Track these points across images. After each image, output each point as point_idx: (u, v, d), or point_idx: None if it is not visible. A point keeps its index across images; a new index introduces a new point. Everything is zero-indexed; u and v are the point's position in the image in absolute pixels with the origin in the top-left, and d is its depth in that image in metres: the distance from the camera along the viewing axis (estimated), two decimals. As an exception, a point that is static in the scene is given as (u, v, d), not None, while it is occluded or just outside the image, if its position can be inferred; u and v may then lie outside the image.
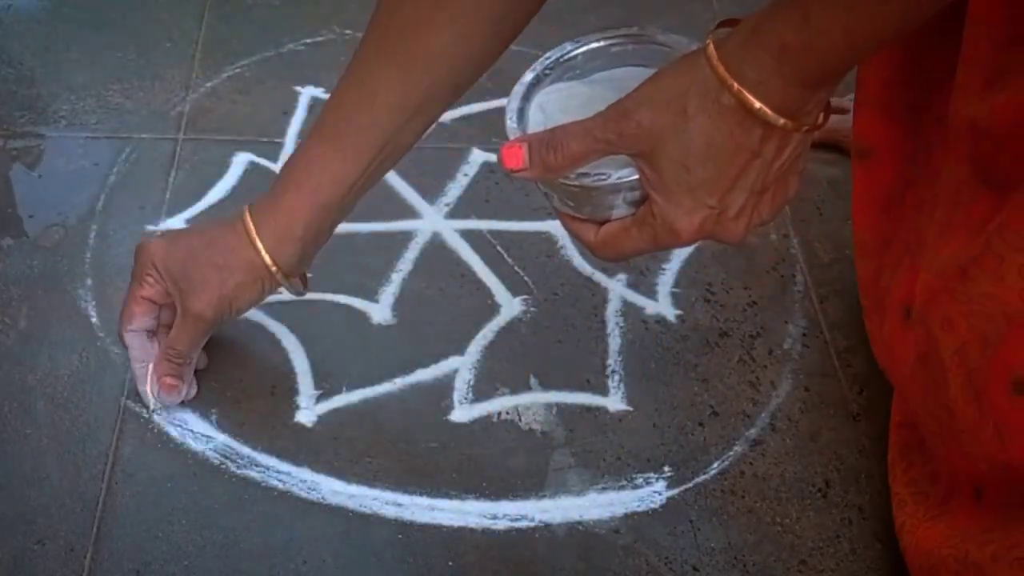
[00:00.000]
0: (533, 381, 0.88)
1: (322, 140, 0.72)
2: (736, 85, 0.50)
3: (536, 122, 0.60)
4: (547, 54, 0.63)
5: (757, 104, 0.50)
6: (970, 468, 0.65)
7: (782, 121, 0.51)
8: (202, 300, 0.75)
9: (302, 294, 0.79)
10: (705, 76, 0.51)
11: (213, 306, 0.75)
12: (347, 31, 1.20)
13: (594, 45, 0.63)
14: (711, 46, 0.52)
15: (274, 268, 0.73)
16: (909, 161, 0.74)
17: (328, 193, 0.72)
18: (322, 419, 0.84)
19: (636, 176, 0.55)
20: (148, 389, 0.79)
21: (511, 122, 0.60)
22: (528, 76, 0.62)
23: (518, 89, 0.62)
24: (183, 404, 0.83)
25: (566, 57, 0.63)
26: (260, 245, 0.72)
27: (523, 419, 0.85)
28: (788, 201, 0.58)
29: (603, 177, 0.56)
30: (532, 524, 0.78)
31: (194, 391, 0.82)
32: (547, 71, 0.63)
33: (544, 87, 0.63)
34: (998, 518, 0.63)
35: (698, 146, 0.52)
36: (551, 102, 0.62)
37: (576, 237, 0.62)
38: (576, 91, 0.62)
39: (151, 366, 0.79)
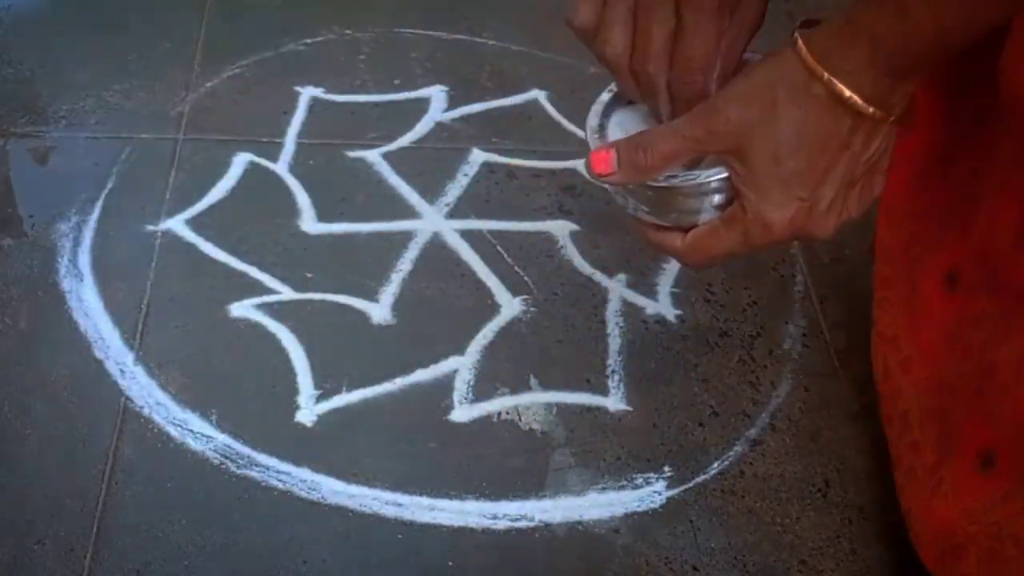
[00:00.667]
0: (533, 381, 0.88)
1: None
2: (826, 74, 0.51)
3: (616, 139, 0.61)
4: None
5: (848, 93, 0.51)
6: (988, 433, 0.65)
7: (871, 110, 0.51)
8: None
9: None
10: (794, 68, 0.52)
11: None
12: (347, 31, 1.20)
13: None
14: (799, 40, 0.52)
15: None
16: (956, 130, 0.74)
17: None
18: (322, 419, 0.84)
19: (725, 174, 0.55)
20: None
21: (593, 136, 0.61)
22: (605, 96, 0.63)
23: (596, 108, 0.63)
24: (183, 404, 0.83)
25: None
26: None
27: (523, 419, 0.85)
28: (873, 200, 0.58)
29: (691, 177, 0.56)
30: (532, 524, 0.78)
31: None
32: None
33: (621, 106, 0.63)
34: (1016, 484, 0.63)
35: (788, 137, 0.53)
36: (629, 119, 0.62)
37: (660, 247, 0.61)
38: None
39: None
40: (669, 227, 0.59)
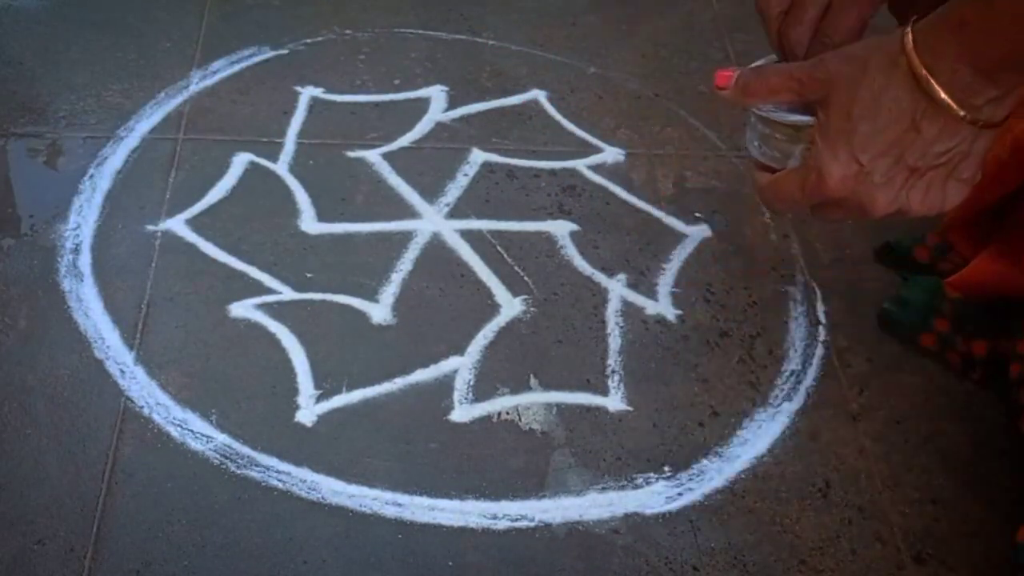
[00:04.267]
0: (533, 381, 0.88)
1: None
2: (912, 52, 0.53)
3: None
4: None
5: (924, 72, 0.53)
6: None
7: (943, 95, 0.52)
8: None
9: None
10: (892, 41, 0.54)
11: None
12: (347, 31, 1.20)
13: None
14: (911, 21, 0.54)
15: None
16: None
17: None
18: (322, 419, 0.84)
19: (811, 121, 0.59)
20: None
21: None
22: (760, 62, 0.68)
23: (765, 59, 0.68)
24: (183, 404, 0.83)
25: None
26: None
27: (523, 419, 0.85)
28: (943, 207, 0.58)
29: (786, 113, 0.61)
30: (532, 524, 0.78)
31: None
32: None
33: None
34: None
35: (865, 99, 0.55)
36: None
37: (755, 182, 0.65)
38: None
39: None
40: (765, 165, 0.63)
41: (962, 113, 0.53)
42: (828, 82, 0.56)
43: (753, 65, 0.64)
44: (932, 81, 0.52)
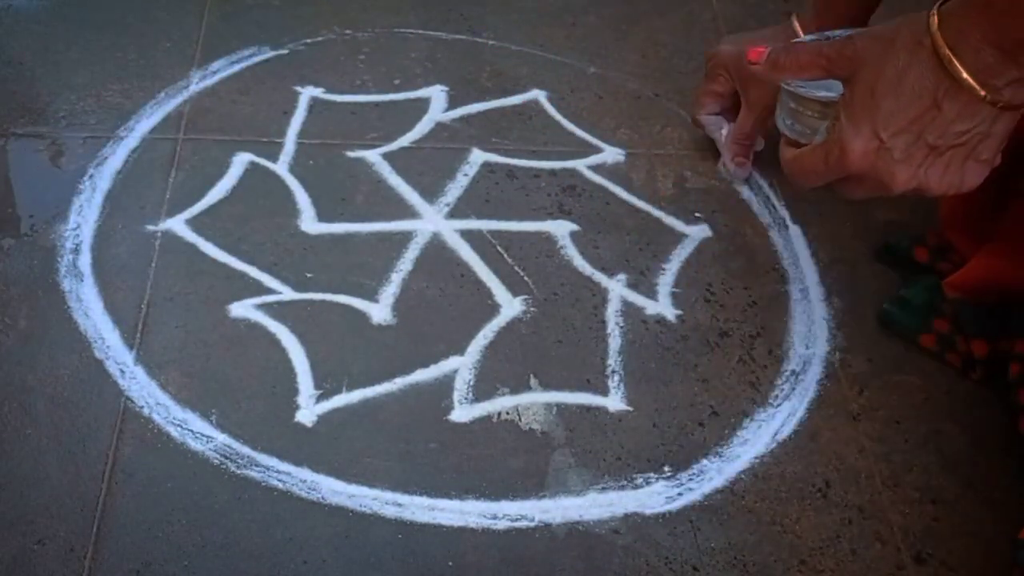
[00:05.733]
0: (533, 381, 0.88)
1: None
2: (937, 32, 0.54)
3: None
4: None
5: (947, 52, 0.54)
6: None
7: (965, 75, 0.54)
8: (760, 89, 0.93)
9: None
10: (919, 21, 0.56)
11: (769, 93, 0.90)
12: (347, 31, 1.20)
13: None
14: (937, 2, 0.55)
15: None
16: None
17: None
18: (322, 419, 0.84)
19: (835, 97, 0.61)
20: (724, 161, 1.04)
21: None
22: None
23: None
24: (183, 404, 0.83)
25: None
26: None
27: (523, 419, 0.85)
28: (961, 187, 0.59)
29: (812, 90, 0.64)
30: (532, 524, 0.78)
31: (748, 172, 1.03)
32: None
33: None
34: None
35: (889, 76, 0.56)
36: None
37: (781, 156, 0.67)
38: None
39: (723, 138, 1.03)
40: (792, 140, 0.66)
41: (983, 93, 0.54)
42: (855, 59, 0.58)
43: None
44: (955, 61, 0.53)
